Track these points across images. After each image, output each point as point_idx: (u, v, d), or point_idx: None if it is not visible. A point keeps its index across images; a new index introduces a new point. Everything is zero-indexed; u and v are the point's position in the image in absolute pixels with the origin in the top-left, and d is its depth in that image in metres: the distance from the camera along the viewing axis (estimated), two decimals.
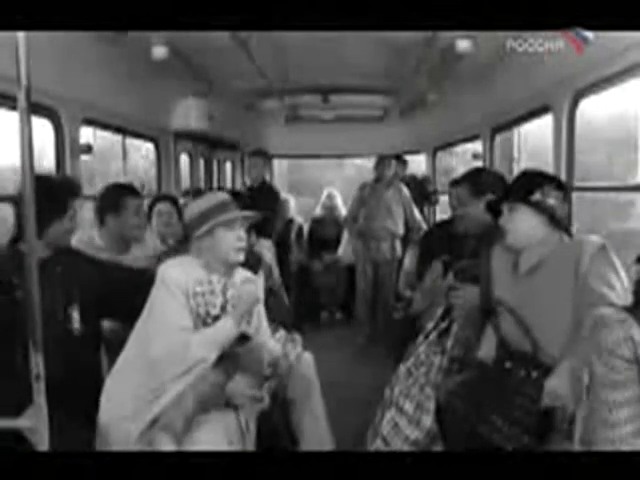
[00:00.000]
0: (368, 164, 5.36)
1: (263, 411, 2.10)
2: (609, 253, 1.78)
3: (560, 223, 1.91)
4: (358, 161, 8.37)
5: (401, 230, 5.00)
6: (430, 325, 2.44)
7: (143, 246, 2.77)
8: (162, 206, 3.16)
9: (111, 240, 2.63)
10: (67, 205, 2.07)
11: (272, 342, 2.11)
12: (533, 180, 1.95)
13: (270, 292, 2.63)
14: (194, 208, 2.03)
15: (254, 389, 1.92)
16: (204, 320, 1.90)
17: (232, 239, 1.97)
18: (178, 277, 1.92)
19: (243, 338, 1.94)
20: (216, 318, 1.90)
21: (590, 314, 1.61)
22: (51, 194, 1.96)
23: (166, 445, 1.77)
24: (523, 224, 1.91)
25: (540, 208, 1.89)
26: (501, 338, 1.91)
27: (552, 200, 1.89)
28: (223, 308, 1.92)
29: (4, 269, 1.98)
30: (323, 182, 9.28)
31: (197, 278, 1.94)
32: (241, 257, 1.99)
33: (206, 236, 1.97)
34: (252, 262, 2.60)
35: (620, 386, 1.49)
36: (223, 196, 2.10)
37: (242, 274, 2.09)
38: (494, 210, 2.05)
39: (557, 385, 1.67)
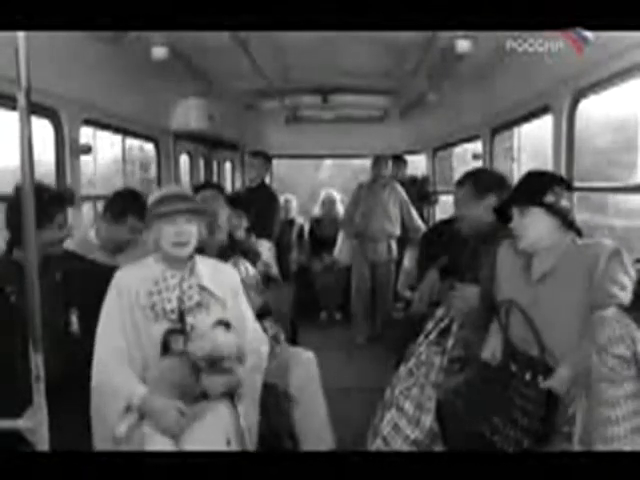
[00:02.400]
0: (366, 164, 5.37)
1: (264, 410, 2.10)
2: (623, 257, 1.76)
3: (572, 224, 1.89)
4: (356, 161, 8.37)
5: (398, 231, 5.00)
6: (430, 325, 2.44)
7: (141, 246, 2.76)
8: None
9: (106, 240, 2.63)
10: (51, 215, 2.07)
11: (249, 330, 2.08)
12: (542, 181, 1.92)
13: (268, 281, 2.64)
14: (148, 201, 2.07)
15: (224, 378, 1.89)
16: (164, 315, 1.94)
17: (170, 233, 1.96)
18: (129, 283, 1.96)
19: (225, 325, 1.95)
20: (172, 311, 1.94)
21: (595, 315, 1.61)
22: (38, 203, 1.96)
23: (162, 445, 1.77)
24: (536, 227, 1.88)
25: (553, 210, 1.86)
26: (506, 339, 1.90)
27: (564, 201, 1.87)
28: (180, 300, 1.96)
29: (2, 276, 1.98)
30: (315, 182, 9.29)
31: (153, 277, 1.97)
32: (182, 252, 1.97)
33: (149, 229, 2.01)
34: (250, 258, 2.62)
35: (617, 383, 1.49)
36: (171, 189, 2.11)
37: (209, 262, 2.10)
38: (502, 214, 2.03)
39: (565, 373, 1.68)
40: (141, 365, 1.93)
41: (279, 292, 2.70)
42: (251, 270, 2.58)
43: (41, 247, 2.06)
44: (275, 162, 6.06)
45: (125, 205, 2.60)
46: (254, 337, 2.10)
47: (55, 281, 2.13)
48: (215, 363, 1.85)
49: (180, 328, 1.94)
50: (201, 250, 2.25)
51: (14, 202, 1.94)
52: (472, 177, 2.65)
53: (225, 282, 2.08)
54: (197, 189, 2.84)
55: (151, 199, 2.04)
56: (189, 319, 1.95)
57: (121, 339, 1.92)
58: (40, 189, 2.12)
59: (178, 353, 1.90)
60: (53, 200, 2.12)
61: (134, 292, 1.95)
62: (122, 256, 2.62)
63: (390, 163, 5.08)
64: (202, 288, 2.00)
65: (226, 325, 1.95)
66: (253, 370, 2.03)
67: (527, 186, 1.96)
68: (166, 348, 1.92)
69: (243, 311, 2.10)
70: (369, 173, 5.13)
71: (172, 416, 1.80)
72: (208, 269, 2.06)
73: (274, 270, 3.02)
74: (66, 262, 2.18)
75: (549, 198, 1.86)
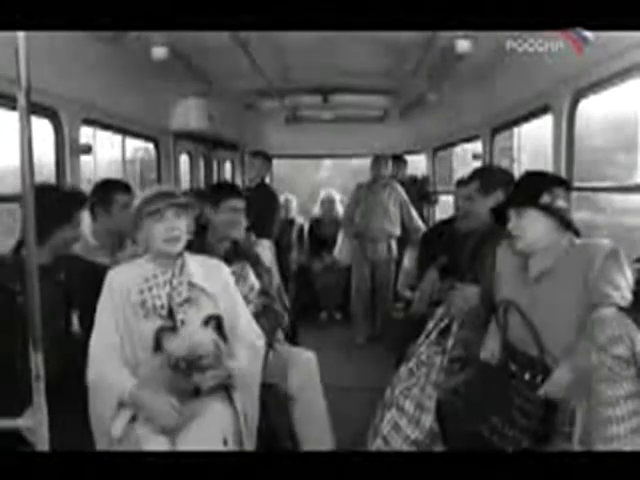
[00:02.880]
0: (366, 164, 5.36)
1: (264, 410, 2.09)
2: (620, 258, 1.76)
3: (569, 225, 1.88)
4: (356, 161, 8.37)
5: (398, 230, 5.00)
6: (431, 325, 2.45)
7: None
8: None
9: (103, 237, 2.64)
10: (71, 215, 2.11)
11: (243, 325, 2.08)
12: (539, 182, 1.92)
13: (266, 295, 2.61)
14: (134, 203, 2.10)
15: (212, 372, 1.89)
16: (154, 312, 1.96)
17: (160, 230, 1.97)
18: (121, 282, 1.99)
19: (211, 320, 1.96)
20: (162, 307, 1.96)
21: (592, 314, 1.61)
22: (56, 203, 1.99)
23: (158, 445, 1.77)
24: (533, 229, 1.88)
25: (550, 211, 1.85)
26: (505, 339, 1.90)
27: (561, 202, 1.87)
28: (170, 296, 1.98)
29: (7, 275, 1.99)
30: (315, 181, 9.29)
31: (144, 275, 1.99)
32: (174, 248, 1.99)
33: (138, 229, 2.02)
34: (251, 262, 2.60)
35: (616, 383, 1.49)
36: (158, 188, 2.13)
37: (198, 258, 2.11)
38: (500, 215, 2.02)
39: (563, 377, 1.67)
40: (134, 363, 1.94)
41: (275, 308, 2.67)
42: (255, 283, 2.54)
43: (58, 246, 2.09)
44: (276, 162, 6.07)
45: (108, 190, 2.65)
46: (248, 331, 2.09)
47: (58, 281, 2.13)
48: (193, 363, 1.86)
49: (171, 325, 1.95)
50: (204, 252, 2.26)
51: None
52: (480, 174, 2.66)
53: (215, 277, 2.08)
54: (213, 189, 2.84)
55: (136, 202, 2.06)
56: (179, 315, 1.97)
57: (115, 336, 1.94)
58: (58, 189, 2.14)
59: (166, 351, 1.90)
60: (71, 199, 2.13)
61: (125, 290, 1.97)
62: (121, 256, 2.63)
63: (390, 163, 5.07)
64: (192, 285, 2.01)
65: (217, 320, 1.95)
66: (250, 364, 2.01)
67: (523, 187, 1.96)
68: (158, 346, 1.92)
69: (234, 305, 2.10)
70: (369, 173, 5.12)
71: (163, 410, 1.80)
72: (198, 265, 2.07)
73: (275, 276, 2.99)
74: (69, 263, 2.19)
75: (545, 199, 1.86)
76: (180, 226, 2.00)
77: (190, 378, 1.87)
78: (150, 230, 1.99)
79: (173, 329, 1.94)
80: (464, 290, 2.39)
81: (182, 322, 1.96)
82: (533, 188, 1.90)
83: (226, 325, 1.98)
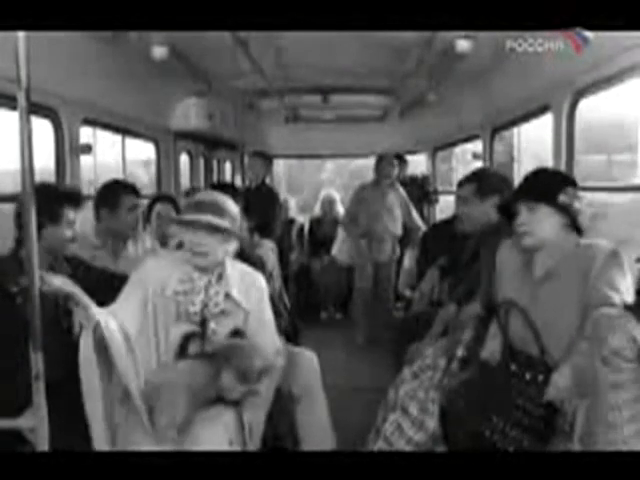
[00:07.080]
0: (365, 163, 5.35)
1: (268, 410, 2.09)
2: (620, 259, 1.75)
3: (580, 227, 1.87)
4: (356, 161, 8.37)
5: (399, 230, 4.99)
6: (436, 329, 2.46)
7: (140, 245, 2.77)
8: (161, 206, 3.16)
9: (106, 237, 2.64)
10: (61, 212, 2.08)
11: (267, 343, 2.03)
12: (555, 181, 1.90)
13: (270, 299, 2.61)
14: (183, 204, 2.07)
15: (247, 383, 1.86)
16: (187, 317, 1.91)
17: (190, 241, 1.93)
18: (157, 275, 1.93)
19: (236, 334, 1.94)
20: (195, 315, 1.91)
21: (593, 315, 1.60)
22: (43, 200, 1.98)
23: (165, 445, 1.77)
24: (544, 226, 1.86)
25: (566, 211, 1.84)
26: (506, 339, 1.90)
27: (577, 203, 1.85)
28: (205, 305, 1.92)
29: (5, 275, 1.99)
30: (318, 181, 9.30)
31: (180, 276, 1.94)
32: (201, 261, 1.92)
33: (176, 235, 2.02)
34: (256, 266, 2.60)
35: (622, 387, 1.49)
36: (207, 196, 2.06)
37: (239, 267, 2.07)
38: (506, 212, 2.00)
39: (562, 379, 1.67)
40: (148, 359, 1.89)
41: (278, 311, 2.66)
42: None
43: (50, 245, 2.08)
44: (281, 162, 6.06)
45: (115, 192, 2.64)
46: (271, 348, 2.04)
47: None
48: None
49: (200, 332, 1.92)
50: None
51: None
52: (477, 177, 2.65)
53: (252, 290, 2.03)
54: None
55: (186, 201, 2.05)
56: (212, 325, 1.93)
57: (131, 327, 1.85)
58: (49, 187, 2.14)
59: (197, 356, 1.88)
60: (61, 198, 2.13)
61: (160, 284, 1.92)
62: (122, 258, 2.63)
63: (395, 161, 5.02)
64: (228, 296, 1.96)
65: (241, 336, 1.94)
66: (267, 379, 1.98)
67: (539, 183, 1.93)
68: (183, 350, 1.90)
69: (262, 319, 2.05)
70: (372, 173, 5.08)
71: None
72: (238, 277, 2.01)
73: (277, 278, 2.99)
74: (70, 265, 2.19)
75: (562, 198, 1.84)
76: (210, 242, 1.92)
77: (217, 386, 1.85)
78: (185, 238, 1.95)
79: (202, 336, 1.91)
80: (466, 310, 2.42)
81: (213, 332, 1.92)
82: (549, 186, 1.88)
83: (249, 338, 1.97)
